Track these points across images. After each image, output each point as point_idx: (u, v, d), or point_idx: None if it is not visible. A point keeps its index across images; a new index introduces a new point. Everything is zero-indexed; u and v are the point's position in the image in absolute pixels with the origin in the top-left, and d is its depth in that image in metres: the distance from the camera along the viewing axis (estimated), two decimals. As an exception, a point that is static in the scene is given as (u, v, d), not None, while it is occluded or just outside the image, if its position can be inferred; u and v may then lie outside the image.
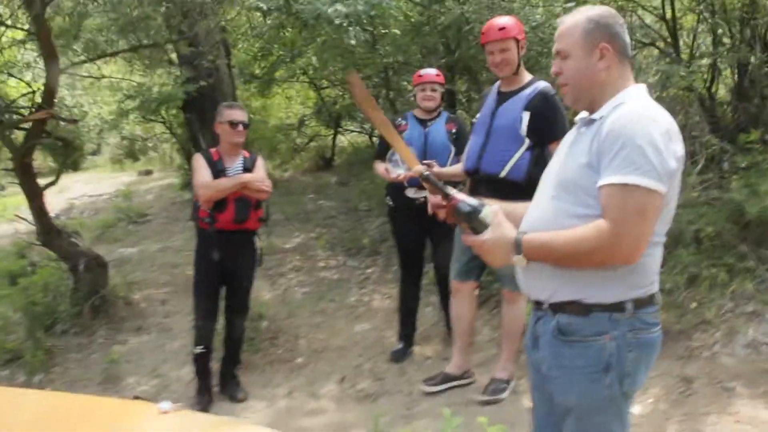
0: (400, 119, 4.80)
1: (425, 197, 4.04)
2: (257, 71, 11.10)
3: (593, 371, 1.92)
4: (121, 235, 9.78)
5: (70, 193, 14.06)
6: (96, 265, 6.04)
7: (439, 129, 4.61)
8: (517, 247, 1.91)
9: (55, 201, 12.66)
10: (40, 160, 19.46)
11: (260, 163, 4.33)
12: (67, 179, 15.98)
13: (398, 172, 3.89)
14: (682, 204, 4.88)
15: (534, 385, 2.25)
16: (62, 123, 6.16)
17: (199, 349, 4.22)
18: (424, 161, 4.33)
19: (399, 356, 4.74)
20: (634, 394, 2.04)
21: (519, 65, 3.83)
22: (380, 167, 4.39)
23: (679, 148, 1.86)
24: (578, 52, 1.98)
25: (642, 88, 2.00)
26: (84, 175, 17.48)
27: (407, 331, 4.87)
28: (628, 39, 2.00)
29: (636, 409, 3.55)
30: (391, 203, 4.82)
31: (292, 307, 5.96)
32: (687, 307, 4.28)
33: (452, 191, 2.07)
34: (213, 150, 4.27)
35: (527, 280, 2.08)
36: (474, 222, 1.98)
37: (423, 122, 4.69)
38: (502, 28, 3.74)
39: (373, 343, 5.11)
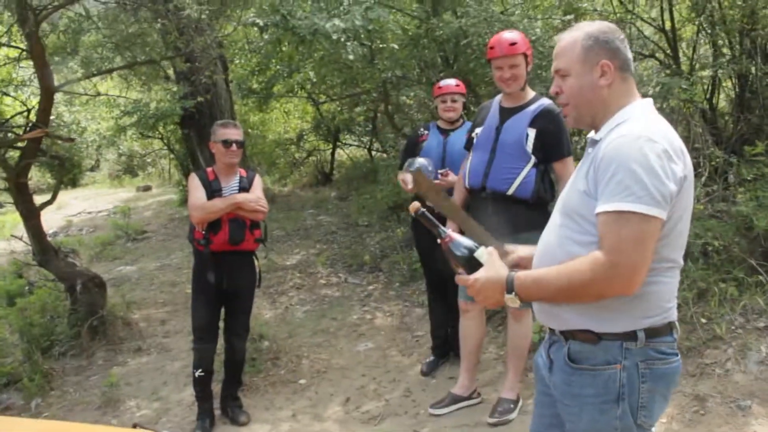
0: (422, 129, 4.76)
1: None
2: (255, 86, 11.07)
3: (603, 401, 1.86)
4: (119, 253, 9.71)
5: (68, 210, 14.00)
6: (94, 285, 5.95)
7: (460, 138, 4.49)
8: (509, 285, 1.86)
9: (53, 218, 12.65)
10: (38, 177, 19.57)
11: (257, 181, 4.23)
12: (66, 195, 16.01)
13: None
14: (688, 217, 4.84)
15: (539, 401, 2.19)
16: (59, 141, 6.00)
17: (198, 373, 4.12)
18: (440, 170, 4.33)
19: (430, 368, 4.69)
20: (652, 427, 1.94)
21: (526, 81, 3.77)
22: (400, 178, 4.33)
23: (680, 167, 1.76)
24: (578, 70, 1.92)
25: (646, 103, 1.92)
26: (82, 192, 17.45)
27: (438, 343, 4.79)
28: (629, 53, 1.93)
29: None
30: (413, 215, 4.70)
31: (294, 326, 5.88)
32: (697, 323, 4.19)
33: (447, 230, 2.05)
34: (209, 169, 4.18)
35: (539, 307, 2.03)
36: (468, 262, 1.96)
37: (444, 132, 4.62)
38: (513, 44, 3.66)
39: (377, 362, 5.02)
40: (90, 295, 5.91)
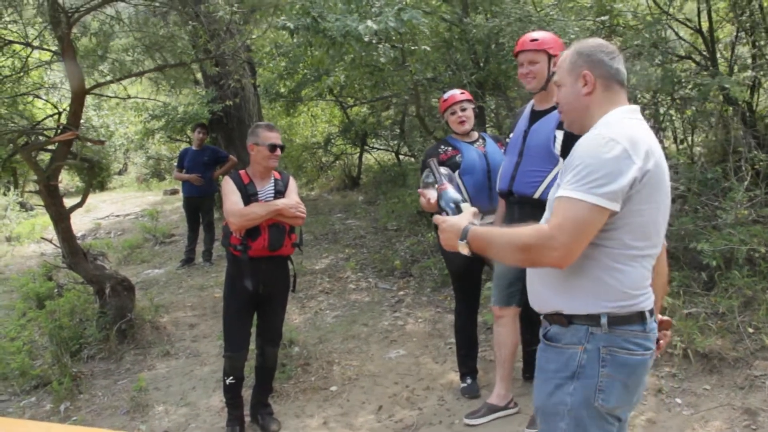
0: (443, 146, 4.40)
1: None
2: (282, 90, 11.05)
3: (561, 377, 2.03)
4: (147, 256, 9.72)
5: (96, 213, 14.12)
6: (122, 288, 5.93)
7: (494, 148, 4.37)
8: (464, 233, 2.08)
9: (82, 221, 12.77)
10: (68, 180, 19.82)
11: (293, 185, 4.13)
12: (94, 199, 16.18)
13: (432, 195, 3.72)
14: (732, 223, 4.68)
15: None
16: (88, 144, 5.98)
17: (230, 381, 4.04)
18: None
19: (473, 392, 4.34)
20: (620, 416, 2.04)
21: (548, 81, 3.63)
22: (422, 201, 3.99)
23: (637, 166, 1.91)
24: (567, 81, 2.16)
25: (627, 109, 2.10)
26: (111, 195, 17.59)
27: (471, 365, 4.45)
28: (617, 65, 2.13)
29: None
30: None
31: (324, 331, 5.79)
32: (744, 333, 4.03)
33: (445, 181, 2.34)
34: (242, 172, 4.10)
35: (529, 292, 2.24)
36: (453, 211, 2.22)
37: (471, 144, 4.39)
38: (534, 40, 3.59)
39: (409, 369, 4.91)
40: (119, 299, 5.89)
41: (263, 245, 3.92)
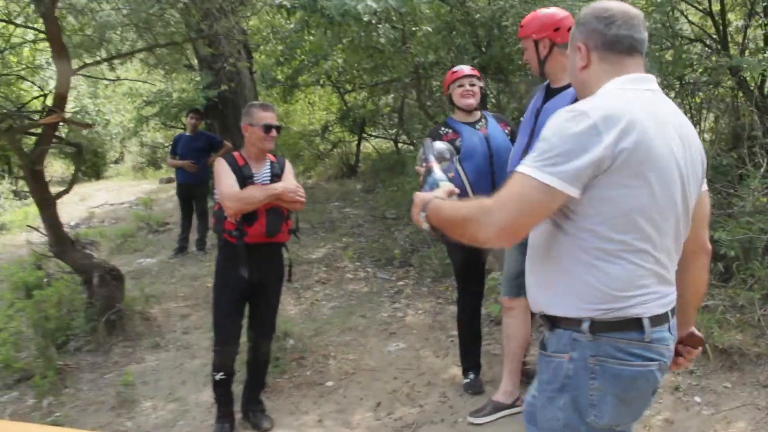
0: (442, 128, 4.14)
1: None
2: (279, 76, 10.80)
3: (552, 389, 1.84)
4: (140, 245, 9.50)
5: (91, 202, 13.89)
6: (111, 277, 5.71)
7: (497, 131, 4.11)
8: (425, 205, 1.93)
9: (76, 209, 12.57)
10: (63, 168, 19.59)
11: (289, 168, 3.90)
12: (89, 187, 15.97)
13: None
14: (749, 211, 4.45)
15: None
16: (75, 127, 5.74)
17: (219, 376, 3.80)
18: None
19: (477, 387, 4.13)
20: (623, 430, 1.85)
21: (543, 65, 3.37)
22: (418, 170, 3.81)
23: (608, 141, 1.66)
24: (569, 54, 2.00)
25: (625, 79, 1.84)
26: (106, 184, 17.34)
27: (475, 360, 4.24)
28: (617, 30, 1.85)
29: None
30: None
31: (320, 323, 5.56)
32: (765, 327, 3.81)
33: (432, 159, 2.23)
34: (236, 153, 3.85)
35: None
36: (429, 186, 2.10)
37: (472, 125, 4.11)
38: (522, 26, 3.35)
39: (409, 363, 4.68)
40: (107, 288, 5.66)
41: (261, 231, 3.67)
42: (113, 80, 6.70)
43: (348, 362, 4.76)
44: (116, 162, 21.20)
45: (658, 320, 1.77)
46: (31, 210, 12.70)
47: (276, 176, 3.78)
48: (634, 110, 1.71)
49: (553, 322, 1.84)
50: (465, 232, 1.78)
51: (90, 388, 4.80)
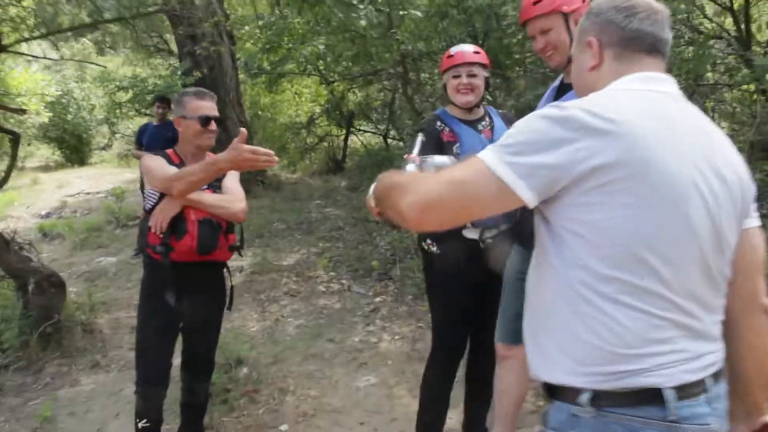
0: (438, 124, 3.09)
1: (495, 235, 2.94)
2: (265, 65, 10.15)
3: None
4: (105, 241, 8.88)
5: (68, 190, 13.36)
6: (49, 285, 5.05)
7: (504, 131, 3.19)
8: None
9: (50, 198, 12.01)
10: (48, 154, 18.99)
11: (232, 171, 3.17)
12: (69, 174, 15.42)
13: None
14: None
15: None
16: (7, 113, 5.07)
17: (142, 424, 3.09)
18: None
19: None
20: None
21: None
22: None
23: (578, 146, 1.31)
24: (575, 52, 1.64)
25: (636, 77, 1.48)
26: (87, 171, 16.78)
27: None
28: (638, 25, 1.50)
29: None
30: (434, 249, 3.11)
31: (282, 347, 4.86)
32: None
33: (415, 152, 2.26)
34: (169, 151, 3.16)
35: None
36: None
37: (473, 125, 3.12)
38: (536, 2, 2.47)
39: (380, 404, 3.98)
40: (44, 297, 5.01)
41: (191, 246, 2.92)
42: (55, 60, 6.01)
43: (308, 400, 4.06)
44: (104, 148, 20.61)
45: (690, 389, 1.32)
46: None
47: (218, 180, 3.07)
48: (631, 113, 1.35)
49: (550, 391, 1.46)
50: (391, 200, 1.51)
51: (8, 419, 4.12)
